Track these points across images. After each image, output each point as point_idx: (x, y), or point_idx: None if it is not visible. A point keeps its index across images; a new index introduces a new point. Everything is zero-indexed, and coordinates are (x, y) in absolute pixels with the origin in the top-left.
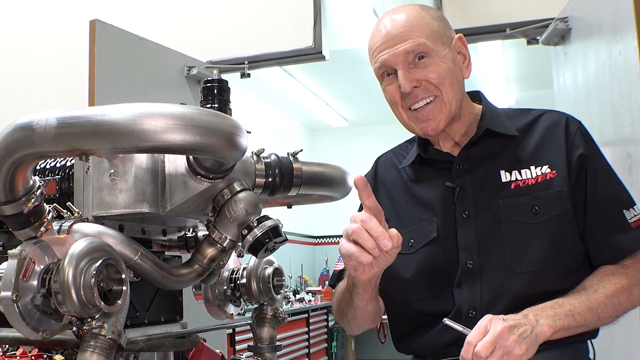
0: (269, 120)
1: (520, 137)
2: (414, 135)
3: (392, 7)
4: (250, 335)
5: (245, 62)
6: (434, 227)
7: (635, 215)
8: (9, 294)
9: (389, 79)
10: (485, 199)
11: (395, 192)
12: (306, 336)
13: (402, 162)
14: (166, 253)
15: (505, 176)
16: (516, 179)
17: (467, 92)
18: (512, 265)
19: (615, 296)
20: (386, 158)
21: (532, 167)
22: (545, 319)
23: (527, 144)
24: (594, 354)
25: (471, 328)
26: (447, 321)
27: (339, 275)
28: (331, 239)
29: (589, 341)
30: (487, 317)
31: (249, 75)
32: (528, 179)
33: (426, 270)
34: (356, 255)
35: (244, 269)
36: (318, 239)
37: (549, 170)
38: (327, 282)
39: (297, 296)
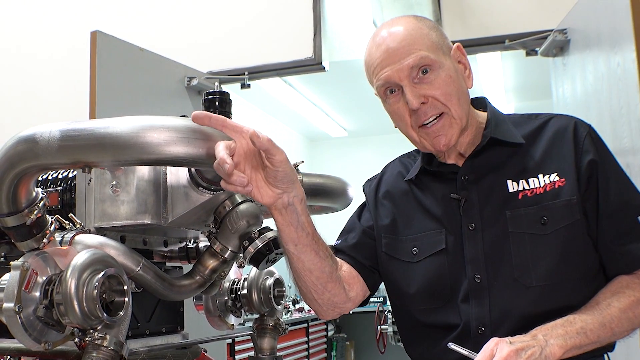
0: (269, 130)
1: (527, 145)
2: None
3: (391, 19)
4: (250, 345)
5: (246, 73)
6: (442, 237)
7: None
8: (11, 305)
9: (394, 97)
10: (492, 211)
11: (400, 200)
12: (305, 346)
13: (409, 171)
14: (167, 264)
15: (512, 186)
16: (524, 188)
17: (471, 99)
18: (521, 280)
19: (630, 309)
20: (394, 165)
21: (540, 176)
22: (555, 338)
23: (534, 152)
24: None
25: (481, 345)
26: (452, 345)
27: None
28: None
29: (605, 355)
30: (494, 341)
31: (249, 85)
32: (536, 188)
33: (429, 281)
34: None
35: (245, 279)
36: None
37: (557, 178)
38: None
39: (297, 306)
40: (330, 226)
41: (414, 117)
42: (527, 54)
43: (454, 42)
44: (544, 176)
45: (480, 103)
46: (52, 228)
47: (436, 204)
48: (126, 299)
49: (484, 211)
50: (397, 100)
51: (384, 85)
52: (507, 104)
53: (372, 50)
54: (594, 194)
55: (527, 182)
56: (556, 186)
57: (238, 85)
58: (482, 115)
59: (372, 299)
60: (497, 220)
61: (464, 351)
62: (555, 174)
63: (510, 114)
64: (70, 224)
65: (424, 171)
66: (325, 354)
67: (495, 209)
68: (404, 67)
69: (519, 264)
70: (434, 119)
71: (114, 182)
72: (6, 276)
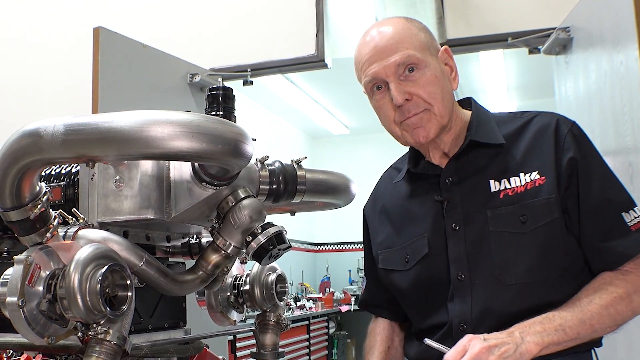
0: (270, 127)
1: (510, 144)
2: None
3: (382, 19)
4: (251, 342)
5: (248, 70)
6: (424, 242)
7: (635, 218)
8: (14, 299)
9: (380, 93)
10: (474, 211)
11: (392, 209)
12: (307, 343)
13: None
14: (170, 259)
15: (494, 186)
16: (505, 187)
17: (459, 100)
18: (501, 277)
19: (612, 306)
20: (386, 175)
21: (522, 174)
22: (532, 335)
23: (516, 150)
24: None
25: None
26: (427, 341)
27: (367, 301)
28: (332, 246)
29: (592, 350)
30: (467, 337)
31: (251, 82)
32: (517, 187)
33: (421, 286)
34: None
35: (247, 275)
36: (319, 246)
37: (538, 176)
38: (327, 289)
39: (298, 303)
40: (331, 224)
41: (398, 113)
42: (530, 52)
43: (456, 40)
44: (525, 175)
45: (468, 103)
46: (55, 222)
47: (422, 207)
48: (129, 294)
49: (467, 211)
50: (383, 96)
51: (371, 82)
52: (509, 102)
53: (361, 48)
54: (575, 191)
55: (509, 181)
56: (536, 184)
57: (240, 82)
58: (468, 115)
59: None
60: (479, 220)
61: (438, 346)
62: (536, 172)
63: (497, 113)
64: (74, 219)
65: (412, 176)
66: (326, 352)
67: (477, 209)
68: (391, 64)
69: (499, 262)
70: (415, 114)
71: (117, 177)
72: (9, 270)
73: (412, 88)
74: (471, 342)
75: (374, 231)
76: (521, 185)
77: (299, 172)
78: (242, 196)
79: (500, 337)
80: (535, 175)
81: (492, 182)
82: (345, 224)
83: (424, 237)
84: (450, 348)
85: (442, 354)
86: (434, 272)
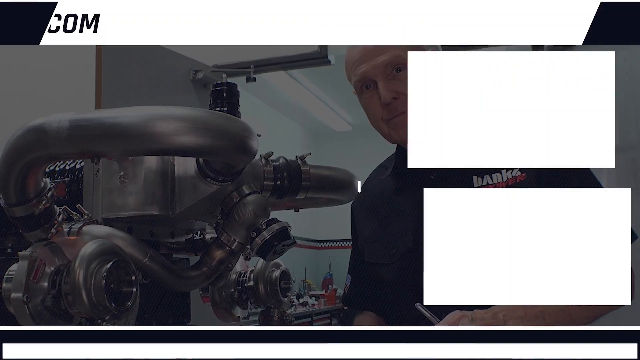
0: (271, 123)
1: None
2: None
3: None
4: None
5: (251, 66)
6: (409, 236)
7: None
8: (19, 295)
9: (369, 92)
10: None
11: (378, 205)
12: None
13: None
14: (174, 255)
15: (477, 181)
16: (487, 183)
17: None
18: None
19: None
20: (374, 173)
21: (504, 171)
22: (514, 320)
23: None
24: None
25: (441, 317)
26: (418, 306)
27: (353, 297)
28: (335, 242)
29: None
30: (457, 313)
31: (254, 79)
32: (499, 182)
33: (406, 278)
34: None
35: (251, 271)
36: (321, 243)
37: (519, 173)
38: (330, 286)
39: (301, 300)
40: (334, 221)
41: (386, 111)
42: (533, 48)
43: None
44: (507, 171)
45: None
46: (60, 218)
47: (408, 202)
48: (134, 290)
49: None
50: (372, 95)
51: (361, 81)
52: None
53: (351, 50)
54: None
55: (491, 177)
56: (517, 180)
57: (243, 78)
58: None
59: None
60: None
61: (427, 313)
62: (518, 169)
63: None
64: (78, 215)
65: (398, 172)
66: None
67: None
68: (379, 64)
69: None
70: (402, 112)
71: (122, 173)
72: (14, 266)
73: (399, 87)
74: (461, 320)
75: (360, 226)
76: (502, 182)
77: (303, 168)
78: (247, 192)
79: (486, 317)
80: (516, 172)
81: (475, 177)
82: (348, 220)
83: (409, 231)
84: (440, 319)
85: None
86: (418, 264)
